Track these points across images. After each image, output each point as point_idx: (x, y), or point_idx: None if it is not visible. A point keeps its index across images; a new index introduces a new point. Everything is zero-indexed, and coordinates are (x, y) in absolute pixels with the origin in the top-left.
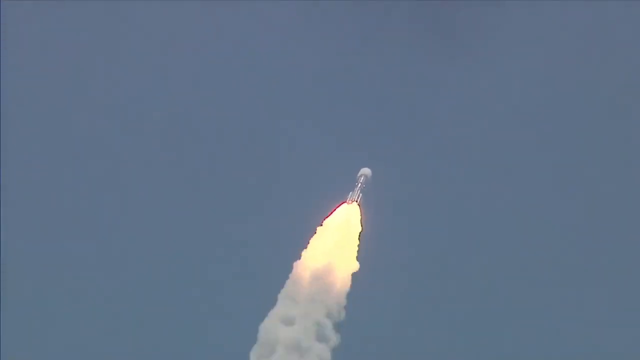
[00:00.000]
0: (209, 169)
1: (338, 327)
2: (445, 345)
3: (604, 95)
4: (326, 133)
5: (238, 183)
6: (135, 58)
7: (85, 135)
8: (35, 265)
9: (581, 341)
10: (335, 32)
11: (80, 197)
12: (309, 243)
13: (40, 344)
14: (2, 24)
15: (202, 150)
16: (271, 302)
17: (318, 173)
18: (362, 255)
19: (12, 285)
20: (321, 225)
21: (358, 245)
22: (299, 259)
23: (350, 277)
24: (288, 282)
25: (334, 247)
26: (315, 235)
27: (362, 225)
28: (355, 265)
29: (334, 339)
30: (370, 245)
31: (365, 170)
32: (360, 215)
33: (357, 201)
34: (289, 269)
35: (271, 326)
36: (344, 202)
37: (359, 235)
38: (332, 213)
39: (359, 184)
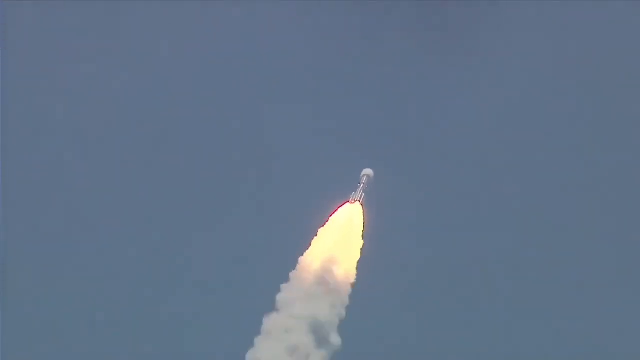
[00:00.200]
0: (212, 169)
1: (340, 325)
2: (447, 344)
3: (604, 95)
4: (328, 133)
5: (241, 183)
6: (135, 58)
7: (85, 135)
8: (35, 265)
9: (581, 341)
10: (336, 32)
11: (80, 197)
12: (311, 242)
13: (40, 344)
14: (2, 24)
15: (204, 150)
16: (274, 299)
17: (321, 173)
18: (365, 254)
19: (12, 285)
20: (324, 224)
21: (361, 245)
22: (302, 257)
23: (353, 276)
24: (291, 280)
25: (337, 246)
26: (318, 235)
27: (364, 225)
28: (356, 266)
29: (336, 338)
30: (373, 244)
31: (368, 171)
32: (363, 215)
33: (359, 201)
34: (292, 267)
35: (274, 323)
36: (346, 202)
37: (362, 235)
38: (335, 212)
39: (362, 184)
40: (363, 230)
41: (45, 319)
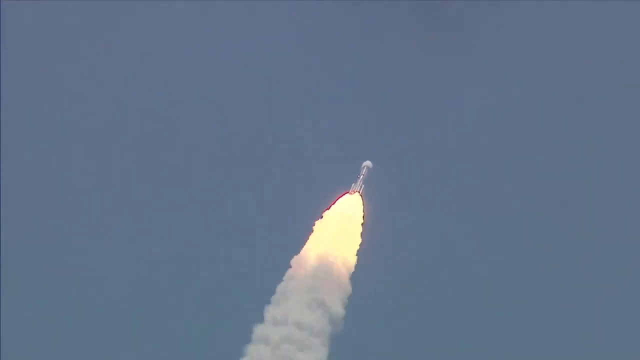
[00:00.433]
0: (214, 163)
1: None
2: (446, 334)
3: (604, 95)
4: (329, 128)
5: (243, 175)
6: (135, 58)
7: (85, 135)
8: (35, 265)
9: (581, 341)
10: (336, 32)
11: (80, 197)
12: (312, 231)
13: (40, 344)
14: (2, 24)
15: (205, 143)
16: (275, 288)
17: (321, 167)
18: (364, 243)
19: (12, 285)
20: (324, 213)
21: (361, 233)
22: (303, 246)
23: (353, 264)
24: (291, 269)
25: (337, 235)
26: (318, 224)
27: (364, 214)
28: (356, 255)
29: (336, 326)
30: (372, 234)
31: (367, 163)
32: (363, 205)
33: (359, 192)
34: (293, 255)
35: (274, 310)
36: (346, 193)
37: (362, 224)
38: (335, 203)
39: (362, 176)
40: (363, 220)
41: (45, 319)
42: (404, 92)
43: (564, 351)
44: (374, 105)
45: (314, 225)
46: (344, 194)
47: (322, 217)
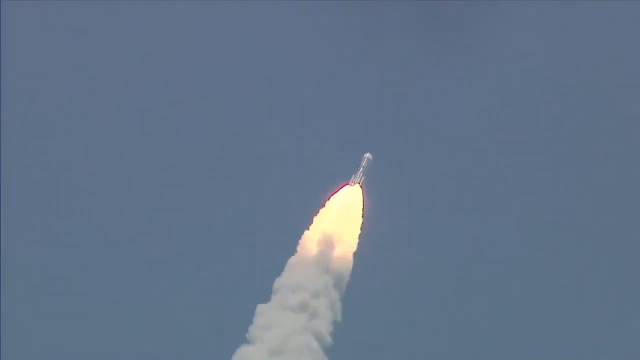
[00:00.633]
0: (214, 159)
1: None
2: (443, 327)
3: (604, 95)
4: (330, 125)
5: (244, 168)
6: (135, 58)
7: (86, 135)
8: (35, 265)
9: (580, 343)
10: (336, 32)
11: (80, 197)
12: (312, 221)
13: (40, 344)
14: (2, 24)
15: (207, 139)
16: (277, 274)
17: (322, 161)
18: (364, 233)
19: (12, 285)
20: (325, 204)
21: (361, 224)
22: (303, 235)
23: (353, 253)
24: (292, 260)
25: (337, 225)
26: (318, 214)
27: (364, 205)
28: (355, 244)
29: (336, 316)
30: (372, 224)
31: (368, 155)
32: (363, 196)
33: (359, 183)
34: (294, 246)
35: (275, 299)
36: (346, 184)
37: (362, 215)
38: (335, 193)
39: (362, 167)
40: (363, 211)
41: (45, 319)
42: (404, 91)
43: (563, 351)
44: (374, 105)
45: (315, 215)
46: (344, 185)
47: (323, 206)
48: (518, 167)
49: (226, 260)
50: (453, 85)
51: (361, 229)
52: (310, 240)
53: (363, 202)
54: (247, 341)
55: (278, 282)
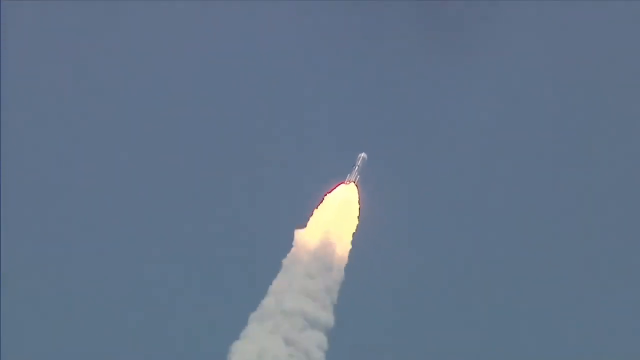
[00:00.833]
0: (214, 158)
1: (335, 303)
2: (439, 323)
3: (604, 95)
4: (328, 124)
5: (240, 168)
6: (135, 58)
7: (86, 135)
8: (35, 265)
9: (580, 343)
10: (336, 32)
11: (80, 197)
12: (308, 219)
13: (40, 344)
14: (2, 24)
15: (206, 138)
16: (272, 275)
17: (319, 159)
18: (359, 232)
19: (12, 285)
20: (320, 203)
21: (356, 222)
22: (299, 233)
23: (348, 251)
24: (288, 258)
25: (333, 223)
26: (315, 212)
27: (360, 203)
28: (351, 240)
29: (331, 315)
30: (367, 222)
31: (363, 154)
32: (358, 194)
33: (354, 182)
34: (289, 244)
35: (270, 301)
36: (342, 183)
37: (357, 213)
38: (330, 192)
39: (357, 167)
40: (358, 209)
41: (45, 319)
42: (403, 91)
43: (563, 351)
44: (372, 104)
45: (310, 213)
46: (339, 184)
47: (319, 204)
48: (517, 168)
49: (221, 259)
50: (453, 85)
51: (356, 227)
52: (306, 238)
53: (358, 200)
54: (242, 339)
55: (274, 282)
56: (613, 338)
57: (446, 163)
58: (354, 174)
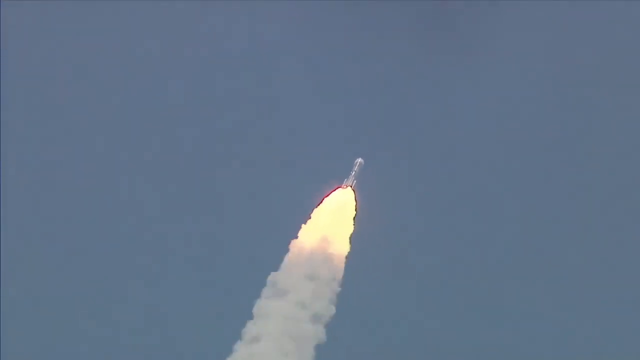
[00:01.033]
0: (213, 159)
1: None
2: (435, 321)
3: (605, 95)
4: (327, 126)
5: (238, 170)
6: (135, 58)
7: (86, 135)
8: (35, 265)
9: (580, 343)
10: (336, 32)
11: (80, 197)
12: (305, 222)
13: (40, 344)
14: (2, 24)
15: (204, 142)
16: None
17: (317, 162)
18: (356, 234)
19: (12, 285)
20: (318, 206)
21: (353, 225)
22: (296, 237)
23: (345, 254)
24: (285, 261)
25: (330, 227)
26: (311, 216)
27: (356, 207)
28: (348, 244)
29: (329, 315)
30: (363, 225)
31: (359, 160)
32: (355, 198)
33: (351, 186)
34: (286, 246)
35: (267, 303)
36: (339, 187)
37: (354, 216)
38: (328, 195)
39: (354, 172)
40: (355, 212)
41: (45, 319)
42: (403, 91)
43: (563, 351)
44: (373, 106)
45: (308, 216)
46: (336, 188)
47: (317, 207)
48: (517, 170)
49: (220, 261)
50: (452, 86)
51: (353, 230)
52: (304, 241)
53: (355, 204)
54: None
55: (270, 281)
56: (613, 338)
57: (447, 163)
58: (351, 179)
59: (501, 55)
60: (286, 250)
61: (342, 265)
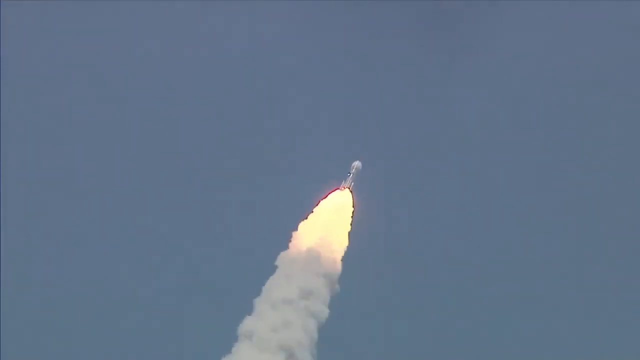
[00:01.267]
0: (214, 162)
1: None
2: (432, 321)
3: (605, 95)
4: (327, 126)
5: (237, 172)
6: (135, 58)
7: (86, 135)
8: (35, 265)
9: (580, 343)
10: (336, 32)
11: (80, 197)
12: (303, 223)
13: (41, 344)
14: (2, 24)
15: (205, 146)
16: (266, 278)
17: (315, 164)
18: (354, 233)
19: (12, 285)
20: (316, 207)
21: (351, 226)
22: (295, 238)
23: (342, 251)
24: (282, 261)
25: (328, 228)
26: (309, 217)
27: (354, 208)
28: (346, 243)
29: (325, 312)
30: (361, 227)
31: (357, 163)
32: (353, 199)
33: (349, 188)
34: (285, 246)
35: (264, 303)
36: (337, 189)
37: (352, 216)
38: (326, 197)
39: (351, 174)
40: (353, 213)
41: (45, 319)
42: (403, 92)
43: (563, 351)
44: (372, 107)
45: (306, 217)
46: (334, 190)
47: (314, 209)
48: (516, 169)
49: (218, 261)
50: (452, 86)
51: (350, 231)
52: (301, 241)
53: (353, 205)
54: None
55: (267, 284)
56: (613, 338)
57: (445, 165)
58: (349, 181)
59: (501, 56)
60: (285, 250)
61: (339, 266)
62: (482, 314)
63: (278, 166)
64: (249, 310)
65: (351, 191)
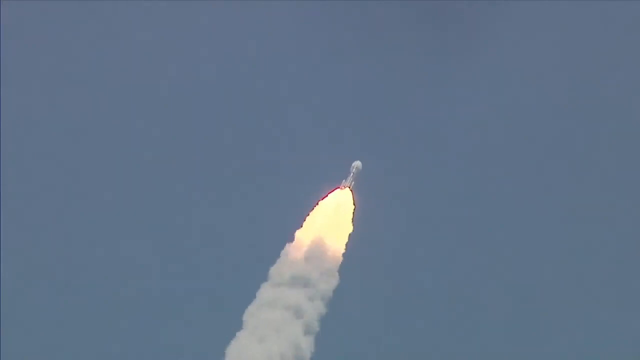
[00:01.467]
0: (214, 162)
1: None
2: (431, 323)
3: (605, 95)
4: (327, 126)
5: (237, 171)
6: (135, 58)
7: (86, 135)
8: (35, 265)
9: (580, 343)
10: (336, 30)
11: (80, 197)
12: (304, 222)
13: (40, 344)
14: (2, 24)
15: (206, 144)
16: (266, 276)
17: (316, 164)
18: (354, 234)
19: (12, 285)
20: (316, 206)
21: (351, 225)
22: (294, 237)
23: (342, 251)
24: (282, 260)
25: (328, 226)
26: (310, 216)
27: (354, 207)
28: (345, 245)
29: (323, 311)
30: (361, 226)
31: (357, 163)
32: (353, 198)
33: (349, 187)
34: (284, 246)
35: (263, 301)
36: (337, 188)
37: (352, 216)
38: (327, 196)
39: (352, 173)
40: (353, 212)
41: (45, 319)
42: (403, 92)
43: (563, 351)
44: (372, 108)
45: (306, 216)
46: (335, 189)
47: (315, 207)
48: (517, 170)
49: (218, 260)
50: (452, 86)
51: (351, 230)
52: (301, 241)
53: (353, 204)
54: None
55: (266, 284)
56: (613, 338)
57: (445, 165)
58: (349, 180)
59: (501, 56)
60: (284, 249)
61: (339, 265)
62: (482, 314)
63: (278, 165)
64: (242, 312)
65: (351, 190)
